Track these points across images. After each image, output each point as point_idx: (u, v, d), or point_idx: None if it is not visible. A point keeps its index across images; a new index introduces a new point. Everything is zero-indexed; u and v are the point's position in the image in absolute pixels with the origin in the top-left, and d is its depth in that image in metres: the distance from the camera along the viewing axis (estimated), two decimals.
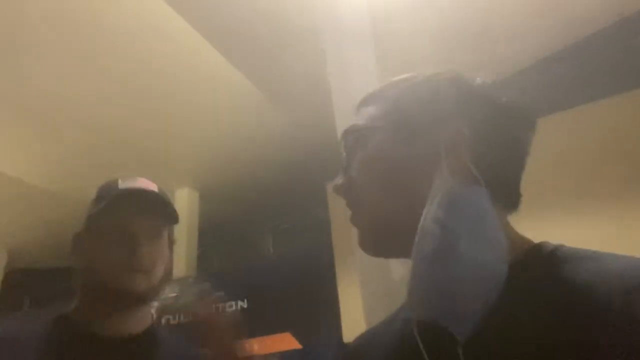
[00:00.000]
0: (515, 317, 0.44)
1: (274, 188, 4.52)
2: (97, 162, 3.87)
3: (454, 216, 0.48)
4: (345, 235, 3.13)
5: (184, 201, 4.57)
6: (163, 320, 0.98)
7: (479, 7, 2.79)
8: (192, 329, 0.79)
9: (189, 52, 3.07)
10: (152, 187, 0.92)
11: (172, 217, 0.94)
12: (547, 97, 2.76)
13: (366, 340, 0.67)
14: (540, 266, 0.48)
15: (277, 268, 3.89)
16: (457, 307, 0.45)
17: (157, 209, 0.91)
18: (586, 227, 2.67)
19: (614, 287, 0.41)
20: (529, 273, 0.48)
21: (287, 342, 3.37)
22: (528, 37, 3.01)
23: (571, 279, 0.44)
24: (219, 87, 3.41)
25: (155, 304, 0.93)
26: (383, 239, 0.58)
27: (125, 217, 0.87)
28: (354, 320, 2.34)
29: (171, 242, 0.96)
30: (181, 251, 4.11)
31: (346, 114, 1.84)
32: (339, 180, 0.61)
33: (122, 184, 0.90)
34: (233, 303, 3.59)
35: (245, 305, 3.58)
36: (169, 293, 0.90)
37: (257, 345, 3.40)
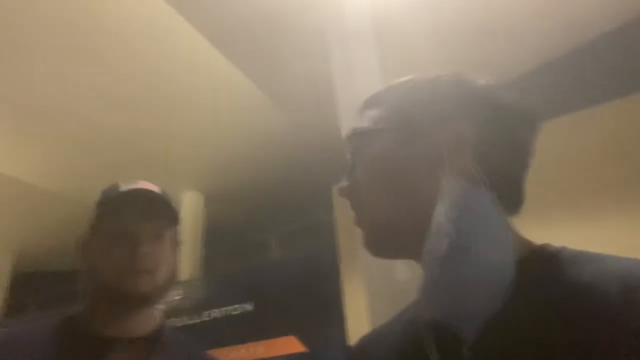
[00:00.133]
0: (518, 319, 0.45)
1: (278, 190, 4.52)
2: (100, 164, 3.88)
3: (465, 217, 0.49)
4: (350, 237, 3.13)
5: (189, 204, 4.57)
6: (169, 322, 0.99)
7: (481, 7, 2.80)
8: None
9: (191, 53, 3.07)
10: (153, 188, 0.93)
11: (173, 217, 0.94)
12: (548, 101, 2.76)
13: (370, 341, 0.67)
14: (542, 268, 0.49)
15: (282, 270, 3.88)
16: (468, 308, 0.46)
17: (158, 210, 0.91)
18: (587, 229, 2.67)
19: (615, 288, 0.41)
20: (532, 275, 0.48)
21: (292, 345, 3.36)
22: (530, 37, 3.01)
23: (573, 281, 0.45)
24: (221, 88, 3.41)
25: (161, 306, 0.93)
26: (387, 240, 0.58)
27: (126, 218, 0.88)
28: (360, 322, 2.34)
29: (176, 244, 0.96)
30: (186, 253, 4.11)
31: (350, 114, 1.84)
32: (344, 182, 0.61)
33: (124, 187, 0.91)
34: (238, 306, 3.59)
35: (250, 308, 3.58)
36: (175, 295, 0.90)
37: (263, 348, 3.40)
